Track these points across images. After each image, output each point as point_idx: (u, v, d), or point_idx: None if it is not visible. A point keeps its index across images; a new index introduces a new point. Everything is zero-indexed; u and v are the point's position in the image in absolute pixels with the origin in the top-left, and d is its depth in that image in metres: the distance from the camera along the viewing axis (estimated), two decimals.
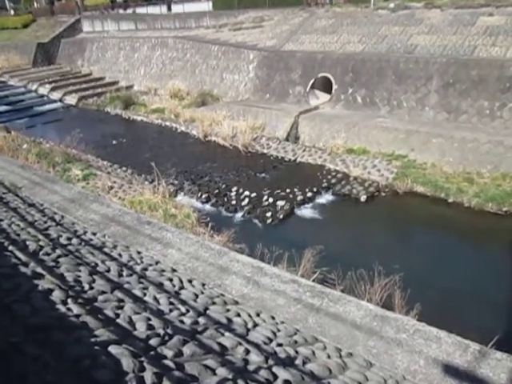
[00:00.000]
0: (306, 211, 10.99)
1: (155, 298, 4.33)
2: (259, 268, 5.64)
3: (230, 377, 3.00)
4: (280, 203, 11.07)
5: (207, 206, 11.38)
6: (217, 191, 11.97)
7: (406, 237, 9.79)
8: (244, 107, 17.33)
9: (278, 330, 4.28)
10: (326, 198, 11.63)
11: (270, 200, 11.31)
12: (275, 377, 3.26)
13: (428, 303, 6.33)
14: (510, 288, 7.38)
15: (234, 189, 12.07)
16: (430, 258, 8.57)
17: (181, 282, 5.13)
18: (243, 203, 11.27)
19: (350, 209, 11.26)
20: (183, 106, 19.86)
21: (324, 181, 12.35)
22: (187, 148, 16.09)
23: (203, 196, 11.75)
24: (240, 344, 3.60)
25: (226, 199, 11.58)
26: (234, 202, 11.39)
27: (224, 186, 12.33)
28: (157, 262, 5.70)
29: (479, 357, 3.97)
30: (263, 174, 13.21)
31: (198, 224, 9.44)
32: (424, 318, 5.02)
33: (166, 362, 2.98)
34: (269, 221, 10.39)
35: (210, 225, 9.30)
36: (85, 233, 6.32)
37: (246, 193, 11.74)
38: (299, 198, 11.43)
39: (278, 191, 11.79)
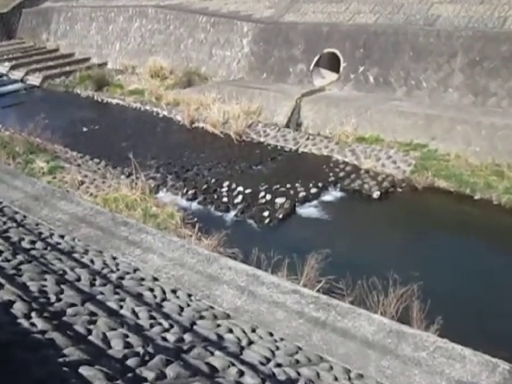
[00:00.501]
0: (310, 210, 11.02)
1: (133, 312, 4.34)
2: (255, 276, 5.66)
3: None
4: (279, 201, 11.08)
5: (194, 204, 11.41)
6: (205, 187, 11.94)
7: (426, 240, 9.76)
8: (237, 88, 17.28)
9: (277, 349, 4.30)
10: (332, 195, 11.65)
11: (268, 197, 11.33)
12: None
13: (451, 316, 6.31)
14: None
15: (226, 184, 12.03)
16: (454, 265, 8.56)
17: (163, 292, 5.15)
18: (236, 201, 11.30)
19: (361, 207, 11.27)
20: (166, 87, 19.82)
21: (330, 174, 12.36)
22: (170, 136, 16.05)
23: (189, 192, 11.75)
24: (232, 364, 3.60)
25: (215, 196, 11.60)
26: (225, 200, 11.41)
27: (214, 180, 12.27)
28: (135, 270, 5.72)
29: (509, 378, 3.97)
30: (259, 167, 13.22)
31: (184, 225, 9.44)
32: (446, 333, 5.03)
33: None
34: (266, 221, 10.42)
35: (197, 226, 9.30)
36: (51, 235, 6.30)
37: (240, 188, 11.74)
38: (301, 194, 11.44)
39: (277, 187, 11.80)
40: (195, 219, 10.06)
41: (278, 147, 14.41)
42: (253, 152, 14.28)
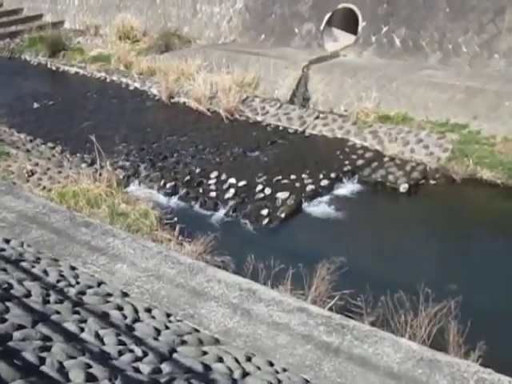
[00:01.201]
0: (320, 207, 11.07)
1: (97, 336, 4.34)
2: (251, 291, 5.69)
3: None
4: (281, 196, 11.11)
5: (174, 200, 11.48)
6: (188, 178, 11.98)
7: (467, 245, 9.80)
8: (228, 54, 17.25)
9: (279, 382, 4.29)
10: (348, 188, 11.71)
11: (267, 191, 11.37)
12: None
13: (497, 340, 6.30)
14: None
15: (214, 174, 12.04)
16: (501, 276, 8.53)
17: (135, 311, 5.15)
18: (227, 196, 11.32)
19: (385, 203, 11.34)
20: (138, 52, 19.76)
21: (346, 162, 12.41)
22: (144, 114, 16.08)
23: (168, 185, 11.79)
24: None
25: (201, 190, 11.64)
26: (213, 194, 11.44)
27: (198, 170, 12.28)
28: (100, 283, 5.73)
29: None
30: (256, 153, 13.29)
31: (161, 226, 9.50)
32: (491, 361, 5.03)
33: None
34: (265, 222, 10.45)
35: (177, 228, 9.34)
36: None
37: (232, 180, 11.78)
38: (309, 187, 11.48)
39: (279, 178, 11.82)
40: (175, 219, 10.11)
41: (280, 128, 14.44)
42: (248, 134, 14.28)
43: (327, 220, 10.70)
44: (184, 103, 16.20)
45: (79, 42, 21.99)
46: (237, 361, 4.52)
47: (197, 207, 11.23)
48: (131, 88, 18.08)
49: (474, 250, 9.71)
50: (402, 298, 6.82)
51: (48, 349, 3.75)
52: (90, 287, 5.52)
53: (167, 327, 4.95)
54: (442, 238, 9.97)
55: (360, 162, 12.47)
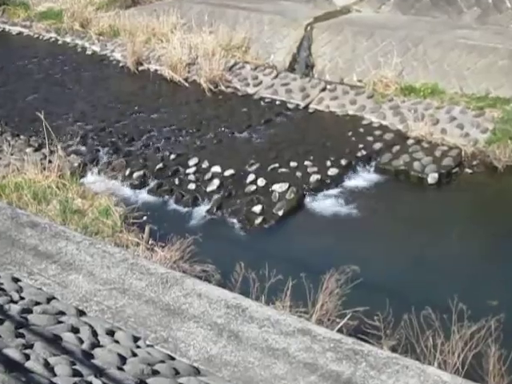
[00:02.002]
0: (327, 203, 11.16)
1: (47, 364, 4.34)
2: (240, 308, 5.72)
3: None
4: (279, 188, 11.22)
5: (143, 195, 11.56)
6: (160, 166, 12.10)
7: (511, 250, 9.84)
8: (211, 8, 17.26)
9: None
10: (363, 178, 11.85)
11: (261, 182, 11.45)
12: None
13: None
14: None
15: (193, 161, 12.21)
16: None
17: (94, 334, 5.15)
18: (210, 188, 11.41)
19: (408, 198, 11.41)
20: (97, 7, 19.68)
21: (360, 146, 12.51)
22: (105, 85, 16.03)
23: (135, 175, 11.86)
24: None
25: (177, 181, 11.75)
26: (192, 187, 11.52)
27: (174, 156, 12.48)
28: (49, 299, 5.71)
29: None
30: (247, 134, 13.43)
31: (126, 227, 9.55)
32: None
33: None
34: (258, 221, 10.54)
35: (147, 229, 9.39)
36: None
37: (216, 169, 11.87)
38: (314, 178, 11.56)
39: (275, 166, 11.95)
40: (144, 218, 10.21)
41: (277, 103, 14.52)
42: (236, 110, 14.39)
43: (336, 219, 10.77)
44: (155, 71, 16.23)
45: None
46: None
47: (172, 203, 11.29)
48: (89, 52, 18.01)
49: None
50: (429, 316, 6.78)
51: None
52: (37, 304, 5.47)
53: (134, 354, 4.94)
54: (480, 242, 9.98)
55: (378, 145, 12.53)
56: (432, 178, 11.45)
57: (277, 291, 7.37)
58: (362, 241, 9.98)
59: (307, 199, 11.15)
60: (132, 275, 6.18)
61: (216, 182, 11.57)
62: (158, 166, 12.09)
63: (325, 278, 7.47)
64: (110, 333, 5.31)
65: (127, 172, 11.99)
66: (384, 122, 13.23)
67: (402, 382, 4.76)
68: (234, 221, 10.62)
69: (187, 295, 5.88)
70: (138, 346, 5.16)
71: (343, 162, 12.01)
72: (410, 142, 12.58)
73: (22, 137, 12.87)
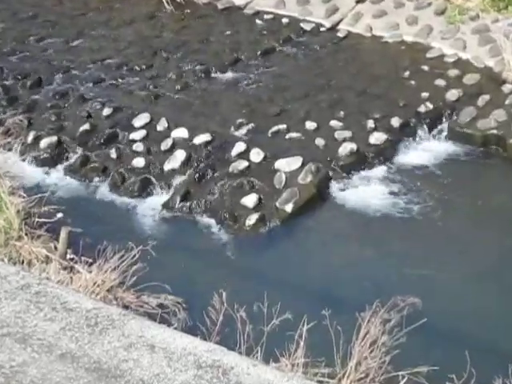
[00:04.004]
0: (368, 192, 11.42)
1: None
2: (218, 369, 6.02)
3: None
4: (286, 166, 11.42)
5: (57, 176, 11.85)
6: (86, 128, 12.33)
7: None
8: None
9: None
10: (429, 150, 12.25)
11: (255, 155, 11.69)
12: None
13: None
14: None
15: (142, 120, 12.43)
16: None
17: None
18: (170, 165, 11.62)
19: (506, 185, 11.69)
20: None
21: (423, 95, 12.78)
22: None
23: (43, 143, 12.12)
24: None
25: (114, 153, 11.98)
26: (139, 163, 11.69)
27: (109, 110, 12.72)
28: None
29: None
30: (232, 74, 13.93)
31: (29, 231, 9.65)
32: None
33: None
34: (250, 222, 10.64)
35: (65, 234, 9.19)
36: None
37: (180, 133, 12.12)
38: (346, 148, 11.78)
39: (280, 128, 12.22)
40: (59, 215, 10.40)
41: (284, 21, 15.08)
42: (215, 34, 14.77)
43: (382, 219, 10.95)
44: None
45: None
46: None
47: (105, 190, 11.53)
48: None
49: None
50: None
51: None
52: None
53: None
54: None
55: (453, 93, 12.82)
56: None
57: (281, 339, 7.32)
58: (427, 256, 10.14)
59: (334, 185, 11.30)
60: (38, 312, 6.43)
61: (180, 154, 11.75)
62: (81, 128, 12.21)
63: (363, 317, 7.37)
64: None
65: (30, 138, 12.16)
66: (463, 55, 13.45)
67: None
68: (211, 221, 10.79)
69: (131, 347, 6.11)
70: None
71: (395, 121, 12.24)
72: (506, 88, 12.88)
73: None
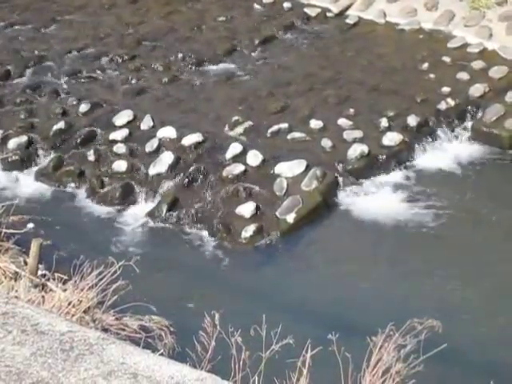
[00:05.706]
0: (382, 200, 11.13)
1: None
2: None
3: None
4: (288, 170, 10.98)
5: (27, 182, 11.61)
6: (61, 127, 12.06)
7: None
8: None
9: None
10: (450, 152, 11.93)
11: (253, 158, 11.27)
12: None
13: None
14: None
15: (123, 118, 12.17)
16: None
17: None
18: (155, 170, 11.31)
19: None
20: None
21: (444, 90, 12.45)
22: None
23: (12, 143, 12.10)
24: None
25: (92, 155, 11.78)
26: (120, 167, 11.40)
27: (86, 106, 12.38)
28: None
29: None
30: (227, 64, 13.67)
31: None
32: None
33: None
34: (246, 234, 10.29)
35: (36, 246, 9.02)
36: None
37: (167, 132, 11.89)
38: (357, 150, 11.39)
39: (281, 127, 11.79)
40: (30, 226, 10.28)
41: (286, 6, 14.95)
42: (207, 19, 14.39)
43: (398, 232, 10.53)
44: None
45: None
46: None
47: (82, 197, 11.20)
48: None
49: None
50: None
51: None
52: None
53: None
54: None
55: (477, 88, 12.42)
56: None
57: (282, 367, 7.15)
58: (448, 274, 9.96)
59: (342, 193, 10.91)
60: (5, 336, 5.85)
61: (167, 157, 11.40)
62: (55, 127, 11.88)
63: (375, 341, 7.17)
64: None
65: None
66: (489, 45, 13.09)
67: None
68: (202, 233, 10.45)
69: (111, 375, 5.48)
70: None
71: (412, 120, 11.83)
72: None
73: None
